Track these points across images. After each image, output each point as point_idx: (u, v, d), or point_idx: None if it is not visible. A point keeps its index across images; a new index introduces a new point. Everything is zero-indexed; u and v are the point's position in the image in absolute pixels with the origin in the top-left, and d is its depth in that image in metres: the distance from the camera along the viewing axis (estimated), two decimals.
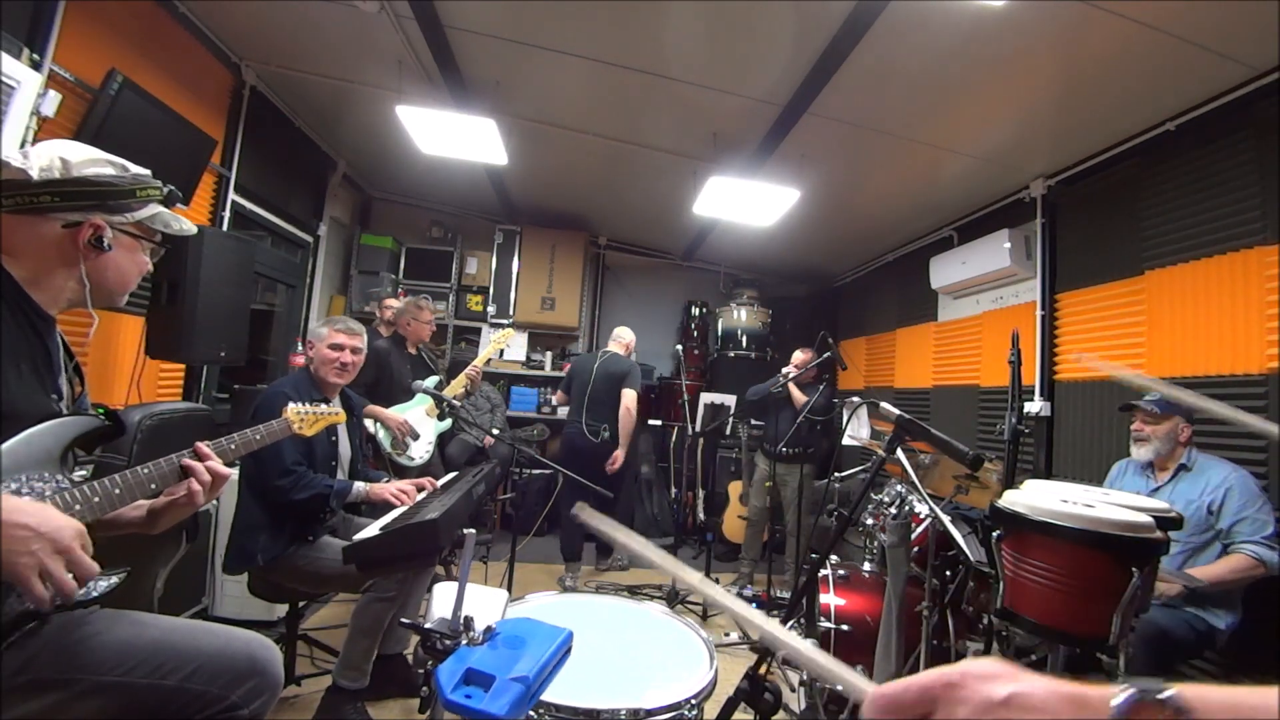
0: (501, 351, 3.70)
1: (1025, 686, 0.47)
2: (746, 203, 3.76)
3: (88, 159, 1.09)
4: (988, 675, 0.49)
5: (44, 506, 0.88)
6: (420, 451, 3.25)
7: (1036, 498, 1.46)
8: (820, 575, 2.36)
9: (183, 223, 1.23)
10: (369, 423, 3.04)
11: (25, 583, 0.82)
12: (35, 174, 1.03)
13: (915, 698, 0.50)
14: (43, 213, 1.04)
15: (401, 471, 3.12)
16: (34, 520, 0.83)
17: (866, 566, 2.59)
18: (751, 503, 4.20)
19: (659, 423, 5.37)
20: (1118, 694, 0.45)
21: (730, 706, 1.27)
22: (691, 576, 0.74)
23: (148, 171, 1.17)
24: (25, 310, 1.05)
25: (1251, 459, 2.28)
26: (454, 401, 2.87)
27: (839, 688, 0.57)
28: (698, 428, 4.97)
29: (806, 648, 0.60)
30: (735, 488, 4.77)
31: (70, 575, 0.86)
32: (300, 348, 4.14)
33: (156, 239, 1.21)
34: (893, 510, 2.10)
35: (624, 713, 1.20)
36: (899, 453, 1.63)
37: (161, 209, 1.19)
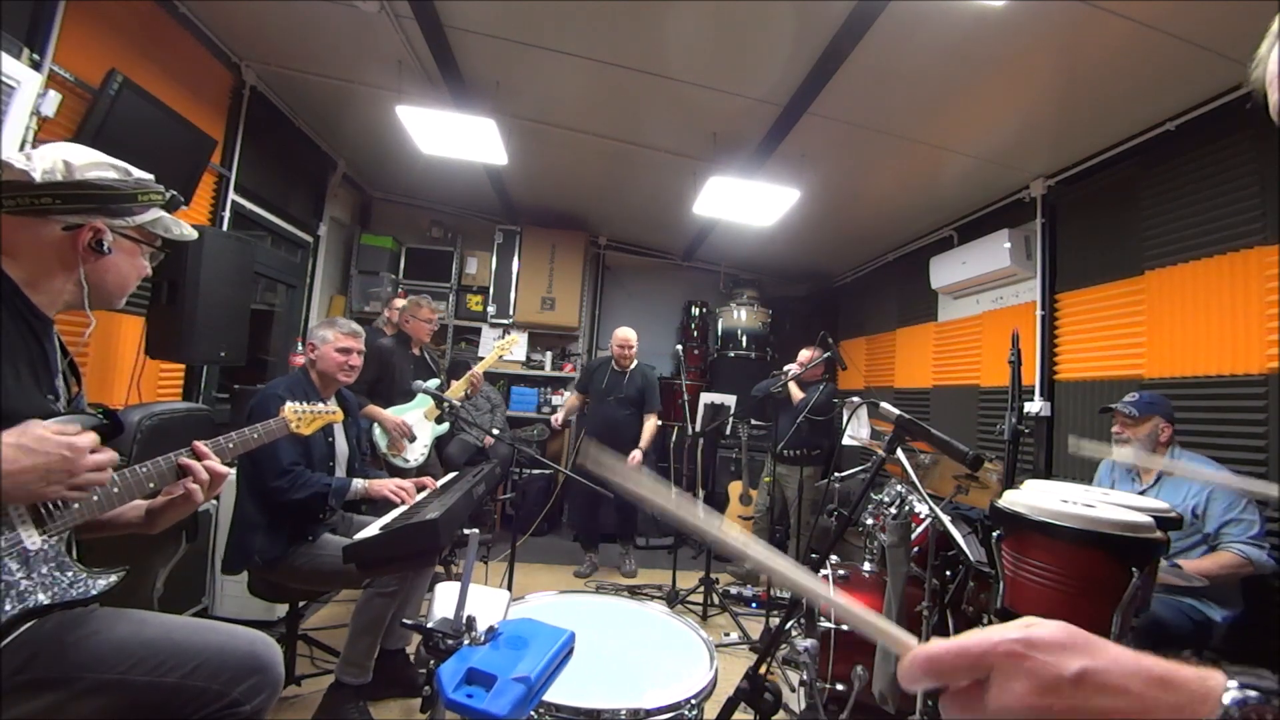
0: (500, 355, 3.72)
1: (1101, 662, 0.40)
2: (746, 203, 3.76)
3: (90, 162, 1.09)
4: (1055, 644, 0.41)
5: (37, 436, 0.90)
6: (415, 454, 3.24)
7: (1036, 498, 1.46)
8: (820, 575, 2.36)
9: (184, 228, 1.23)
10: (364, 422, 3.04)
11: (63, 499, 0.92)
12: (38, 176, 1.03)
13: (967, 662, 0.42)
14: (44, 215, 1.04)
15: (396, 473, 3.12)
16: (37, 460, 0.88)
17: (866, 566, 2.59)
18: (756, 500, 4.20)
19: (659, 422, 5.37)
20: (1227, 688, 0.37)
21: (730, 706, 1.27)
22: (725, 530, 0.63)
23: (150, 176, 1.17)
24: (23, 312, 1.05)
25: (1250, 458, 2.29)
26: (454, 403, 2.87)
27: (880, 641, 0.51)
28: (698, 428, 4.97)
29: (845, 601, 0.52)
30: (735, 488, 4.77)
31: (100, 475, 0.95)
32: (300, 348, 4.14)
33: (157, 243, 1.21)
34: (893, 510, 2.10)
35: (624, 713, 1.20)
36: (899, 453, 1.63)
37: (163, 213, 1.18)
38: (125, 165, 1.14)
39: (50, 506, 0.98)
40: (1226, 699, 0.37)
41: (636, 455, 4.14)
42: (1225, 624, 2.03)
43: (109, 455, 0.96)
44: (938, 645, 0.44)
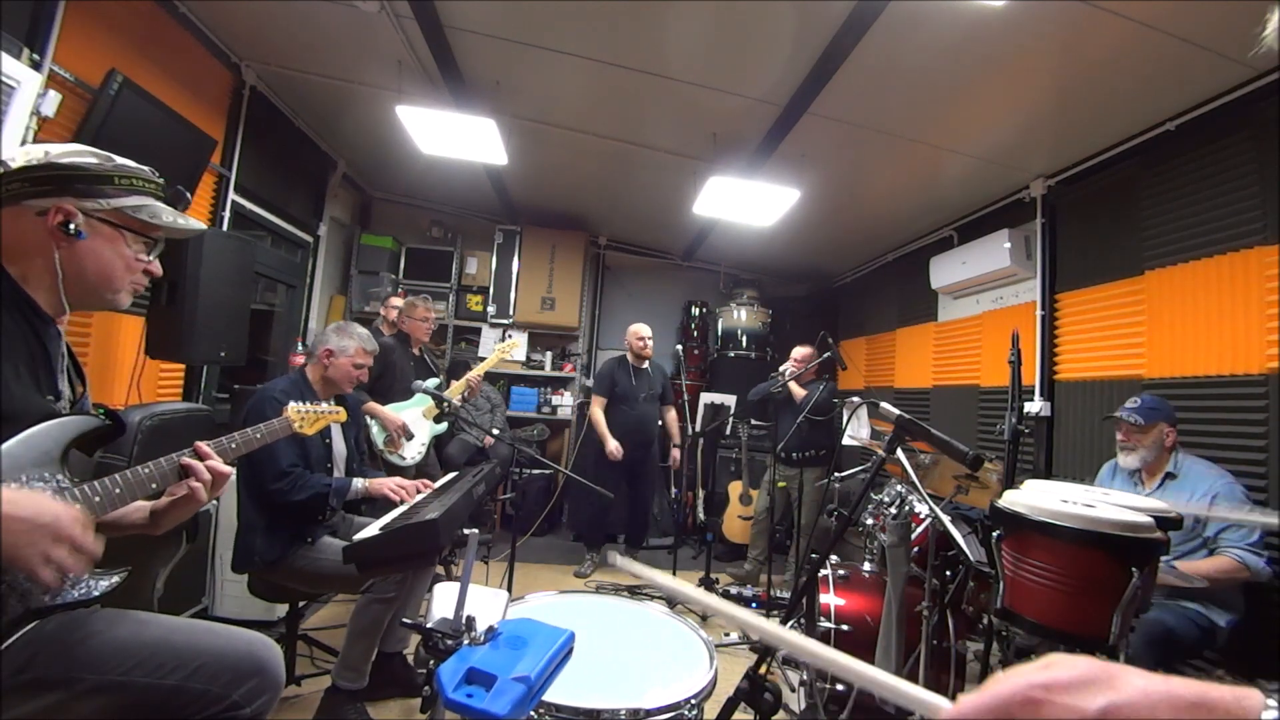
0: (501, 358, 3.72)
1: (1126, 695, 0.39)
2: (746, 203, 3.76)
3: (68, 150, 1.07)
4: (1075, 683, 0.40)
5: (39, 496, 0.88)
6: (413, 453, 3.25)
7: (1036, 498, 1.46)
8: (820, 575, 2.36)
9: (180, 217, 1.18)
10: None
11: (32, 572, 0.84)
12: (13, 166, 1.03)
13: (990, 717, 0.42)
14: (16, 201, 1.03)
15: (393, 471, 3.12)
16: (31, 512, 0.83)
17: (866, 566, 2.59)
18: (757, 502, 4.20)
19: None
20: (1267, 706, 0.36)
21: (730, 706, 1.27)
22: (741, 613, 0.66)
23: (146, 169, 1.14)
24: (23, 309, 1.04)
25: (1249, 459, 2.29)
26: (454, 402, 2.87)
27: (913, 710, 0.49)
28: (698, 428, 4.97)
29: (872, 671, 0.53)
30: (735, 488, 4.77)
31: (74, 560, 0.87)
32: (300, 348, 4.14)
33: (156, 235, 1.17)
34: (893, 510, 2.10)
35: (624, 713, 1.20)
36: (899, 453, 1.63)
37: (151, 201, 1.14)
38: (108, 154, 1.11)
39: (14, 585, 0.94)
40: (1265, 717, 0.36)
41: (676, 455, 4.14)
42: (1229, 629, 2.04)
43: (94, 545, 0.90)
44: (962, 705, 0.43)
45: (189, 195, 1.23)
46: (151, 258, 1.18)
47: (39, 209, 1.03)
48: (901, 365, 4.94)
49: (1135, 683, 0.40)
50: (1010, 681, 0.43)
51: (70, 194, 1.05)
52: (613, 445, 4.02)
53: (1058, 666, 0.42)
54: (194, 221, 1.22)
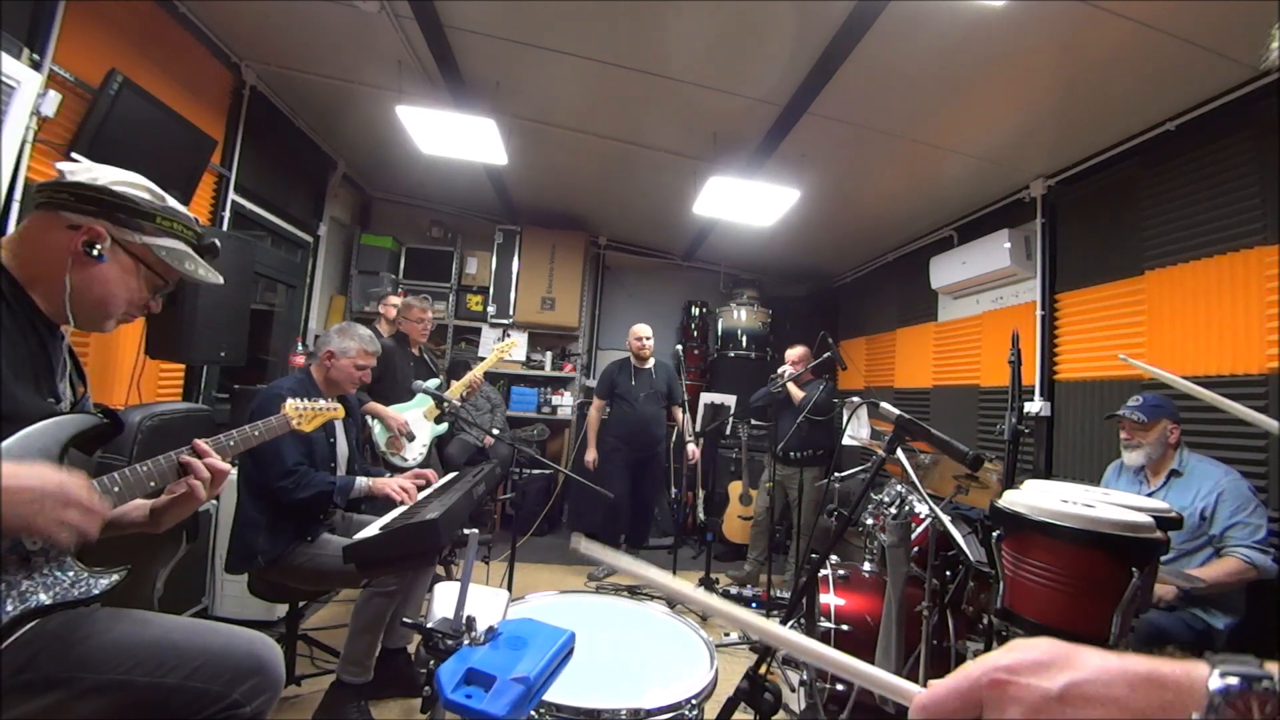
0: (500, 357, 3.72)
1: (1084, 673, 0.41)
2: (746, 203, 3.77)
3: (125, 180, 1.10)
4: (1039, 665, 0.42)
5: (40, 466, 0.89)
6: (414, 453, 3.25)
7: (1036, 498, 1.46)
8: (820, 575, 2.36)
9: (200, 268, 1.20)
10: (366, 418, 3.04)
11: (49, 537, 0.88)
12: (69, 178, 1.05)
13: (960, 702, 0.44)
14: (54, 209, 1.06)
15: (395, 471, 3.12)
16: (35, 481, 0.85)
17: (866, 566, 2.59)
18: (757, 502, 4.21)
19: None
20: (1212, 677, 0.37)
21: (730, 706, 1.27)
22: (695, 592, 0.63)
23: (191, 216, 1.18)
24: (26, 313, 1.05)
25: (1250, 458, 2.29)
26: (454, 402, 2.87)
27: (883, 693, 0.50)
28: (698, 428, 4.97)
29: (842, 657, 0.52)
30: (735, 488, 4.77)
31: (87, 520, 0.90)
32: (300, 348, 4.14)
33: (172, 278, 1.19)
34: (893, 510, 2.11)
35: (624, 713, 1.20)
36: (899, 453, 1.63)
37: (182, 246, 1.16)
38: (161, 193, 1.14)
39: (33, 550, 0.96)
40: (1212, 686, 0.37)
41: (694, 450, 4.16)
42: (1226, 630, 2.03)
43: (102, 505, 0.93)
44: (933, 690, 0.45)
45: (218, 249, 1.25)
46: (156, 296, 1.20)
47: (71, 223, 1.06)
48: (901, 365, 4.94)
49: (1093, 661, 0.41)
50: (976, 666, 0.44)
51: (109, 219, 1.08)
52: (591, 455, 4.15)
53: (1020, 649, 0.44)
54: (214, 274, 1.24)
